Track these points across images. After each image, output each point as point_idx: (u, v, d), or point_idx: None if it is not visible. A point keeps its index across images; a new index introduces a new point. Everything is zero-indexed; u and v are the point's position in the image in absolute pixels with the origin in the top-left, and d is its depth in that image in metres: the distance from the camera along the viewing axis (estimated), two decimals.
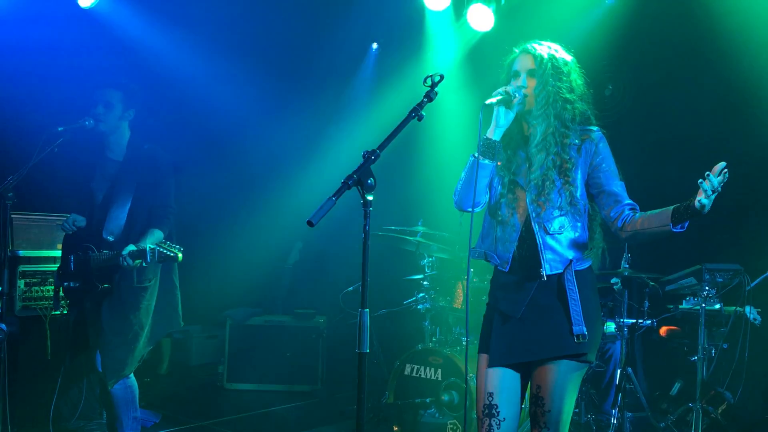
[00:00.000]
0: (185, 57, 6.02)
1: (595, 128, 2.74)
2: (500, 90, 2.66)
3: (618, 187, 2.69)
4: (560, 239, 2.65)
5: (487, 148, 2.68)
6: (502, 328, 2.72)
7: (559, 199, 2.64)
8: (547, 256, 2.64)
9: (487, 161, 2.69)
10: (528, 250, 2.69)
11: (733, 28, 4.93)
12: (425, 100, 2.53)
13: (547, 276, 2.64)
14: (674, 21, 5.09)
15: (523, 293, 2.67)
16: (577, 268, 2.67)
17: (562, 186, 2.64)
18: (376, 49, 6.63)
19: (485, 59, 5.78)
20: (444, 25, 6.15)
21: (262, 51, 6.41)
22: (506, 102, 2.66)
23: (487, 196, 2.81)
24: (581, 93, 2.75)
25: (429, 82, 2.55)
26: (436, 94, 2.55)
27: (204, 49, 6.08)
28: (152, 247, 3.74)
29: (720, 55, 5.00)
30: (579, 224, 2.68)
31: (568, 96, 2.69)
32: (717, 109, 5.10)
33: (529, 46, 2.76)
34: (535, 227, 2.66)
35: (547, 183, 2.64)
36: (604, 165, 2.69)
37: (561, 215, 2.64)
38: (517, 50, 2.79)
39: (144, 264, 3.83)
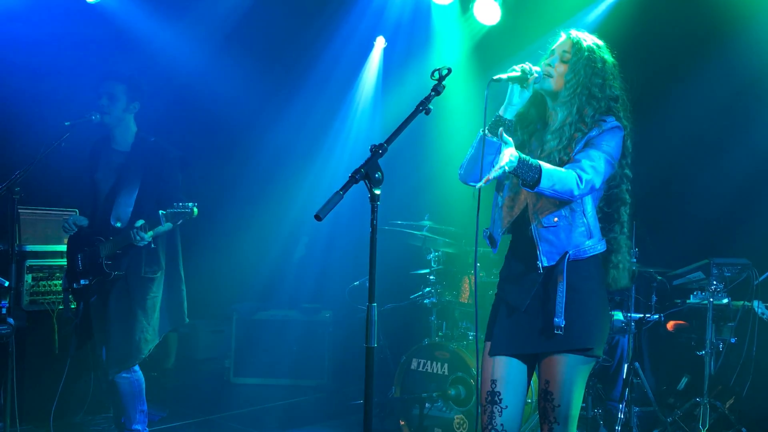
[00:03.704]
0: (191, 51, 6.01)
1: (611, 118, 2.64)
2: (514, 66, 2.61)
3: (584, 156, 2.55)
4: (556, 231, 2.61)
5: (497, 126, 2.63)
6: (507, 318, 2.71)
7: None
8: (543, 247, 2.62)
9: (494, 138, 2.63)
10: (526, 240, 2.67)
11: (742, 21, 4.91)
12: (433, 93, 2.50)
13: (543, 268, 2.62)
14: (682, 15, 5.06)
15: (528, 285, 2.65)
16: (576, 258, 2.61)
17: None
18: (382, 43, 6.60)
19: (492, 53, 5.76)
20: (450, 19, 6.13)
21: (268, 44, 6.40)
22: (520, 80, 2.61)
23: None
24: (613, 96, 2.67)
25: (436, 75, 2.51)
26: (444, 87, 2.52)
27: (210, 42, 6.07)
28: (163, 212, 3.74)
29: (728, 48, 4.97)
30: (577, 214, 2.62)
31: (596, 93, 2.63)
32: (725, 102, 5.07)
33: (573, 32, 2.72)
34: (532, 218, 2.64)
35: None
36: (594, 140, 2.59)
37: (557, 208, 2.61)
38: (563, 33, 2.75)
39: (151, 241, 3.81)
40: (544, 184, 2.43)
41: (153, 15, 5.81)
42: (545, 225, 2.62)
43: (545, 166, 2.45)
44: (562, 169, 2.50)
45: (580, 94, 2.63)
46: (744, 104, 5.08)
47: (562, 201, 2.57)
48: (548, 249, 2.62)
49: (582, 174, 2.50)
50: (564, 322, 2.55)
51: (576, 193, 2.49)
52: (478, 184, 2.53)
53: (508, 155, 2.40)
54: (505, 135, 2.46)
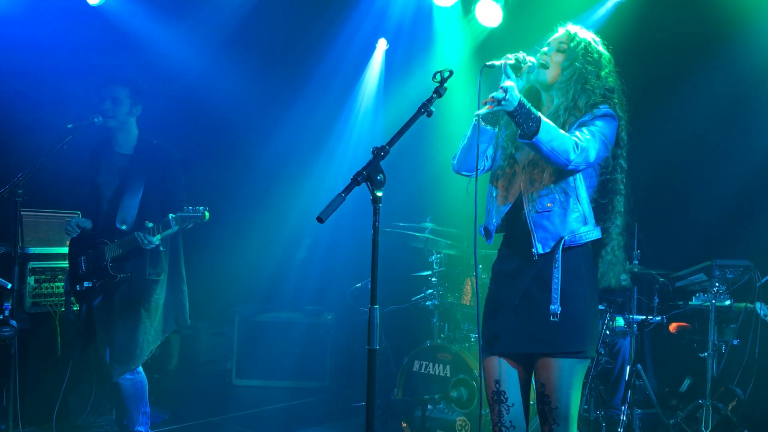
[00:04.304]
0: (193, 53, 6.02)
1: (604, 106, 2.62)
2: (508, 55, 2.62)
3: (578, 130, 2.55)
4: (550, 216, 2.60)
5: (490, 113, 2.61)
6: (498, 317, 2.71)
7: (551, 177, 2.60)
8: (538, 234, 2.61)
9: (488, 127, 2.66)
10: (520, 229, 2.66)
11: (744, 23, 4.90)
12: (434, 95, 2.50)
13: (538, 255, 2.60)
14: (684, 16, 5.06)
15: (519, 283, 2.65)
16: (571, 244, 2.60)
17: None
18: (384, 46, 6.61)
19: (494, 55, 5.74)
20: (452, 21, 6.13)
21: (270, 47, 6.40)
22: (514, 68, 2.61)
23: (488, 162, 2.78)
24: (609, 86, 2.68)
25: (438, 77, 2.52)
26: (446, 89, 2.52)
27: (212, 45, 6.08)
28: (173, 216, 3.75)
29: (730, 50, 4.97)
30: (572, 198, 2.61)
31: (592, 81, 2.64)
32: (727, 104, 5.07)
33: (569, 24, 2.75)
34: (525, 205, 2.64)
35: (542, 161, 2.59)
36: (587, 123, 2.58)
37: (551, 193, 2.60)
38: (560, 27, 2.77)
39: (159, 244, 3.81)
40: (542, 136, 2.41)
41: (155, 17, 5.82)
42: (539, 210, 2.61)
43: (545, 119, 2.45)
44: (561, 131, 2.50)
45: (576, 81, 2.65)
46: (747, 105, 5.08)
47: (558, 167, 2.53)
48: (543, 235, 2.60)
49: (578, 141, 2.50)
50: (560, 309, 2.54)
51: (572, 156, 2.47)
52: (477, 112, 2.54)
53: (510, 84, 2.42)
54: (509, 67, 2.52)
